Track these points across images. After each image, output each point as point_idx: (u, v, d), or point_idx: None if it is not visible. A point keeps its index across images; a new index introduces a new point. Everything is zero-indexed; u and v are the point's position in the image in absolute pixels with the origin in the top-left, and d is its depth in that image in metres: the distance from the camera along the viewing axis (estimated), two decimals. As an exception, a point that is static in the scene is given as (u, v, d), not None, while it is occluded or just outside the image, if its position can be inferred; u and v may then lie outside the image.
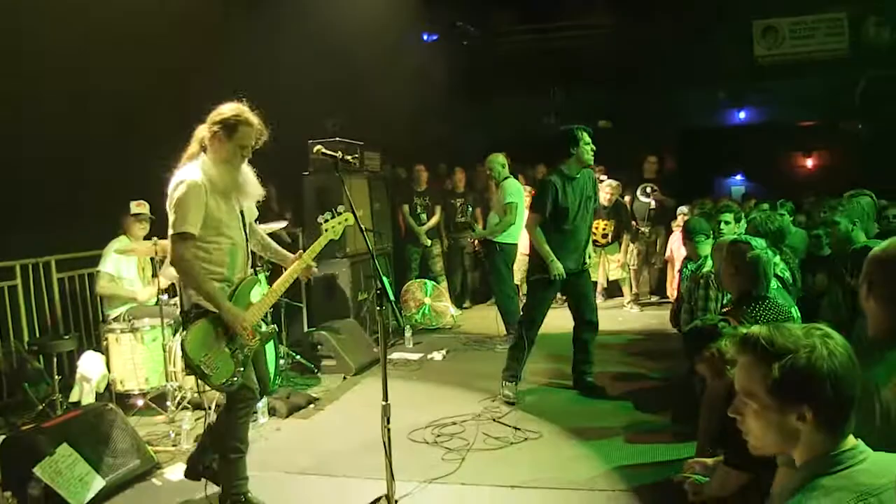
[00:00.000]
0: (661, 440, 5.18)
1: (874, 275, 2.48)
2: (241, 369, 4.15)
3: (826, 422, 1.78)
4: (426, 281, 9.86)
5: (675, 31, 12.18)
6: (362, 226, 4.23)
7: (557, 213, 6.24)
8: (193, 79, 7.69)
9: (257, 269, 7.14)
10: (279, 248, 4.73)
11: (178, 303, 5.01)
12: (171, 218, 3.97)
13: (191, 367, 4.05)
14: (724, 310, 4.01)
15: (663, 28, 12.24)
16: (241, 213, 4.27)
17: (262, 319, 4.48)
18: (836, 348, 1.77)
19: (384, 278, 3.68)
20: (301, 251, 4.55)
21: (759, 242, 3.92)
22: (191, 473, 4.50)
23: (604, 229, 10.12)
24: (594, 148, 6.27)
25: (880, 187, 7.49)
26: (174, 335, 6.07)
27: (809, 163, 14.11)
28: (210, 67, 7.93)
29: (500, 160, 8.26)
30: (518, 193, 8.25)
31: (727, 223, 6.70)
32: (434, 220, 10.52)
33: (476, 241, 8.06)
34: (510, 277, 8.58)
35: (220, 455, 4.31)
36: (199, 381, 4.23)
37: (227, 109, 4.07)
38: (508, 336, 8.20)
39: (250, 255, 4.39)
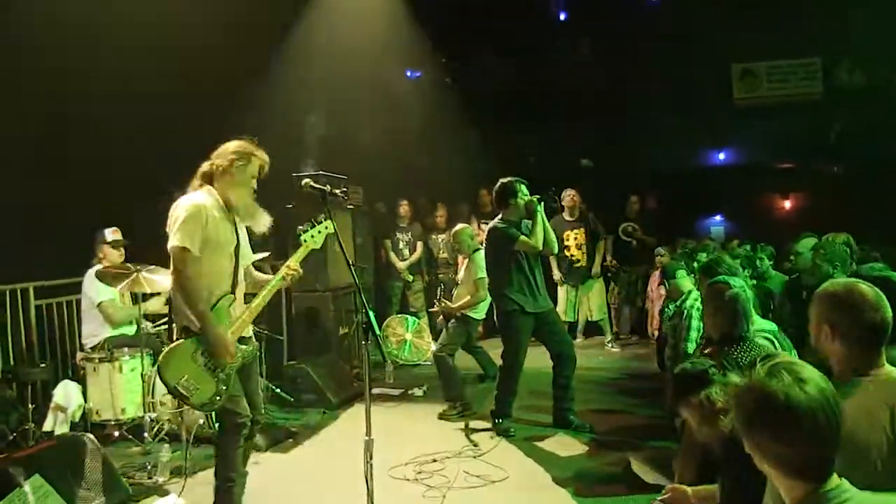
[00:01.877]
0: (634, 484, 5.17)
1: (837, 317, 2.56)
2: (224, 388, 4.14)
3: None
4: (407, 316, 9.83)
5: (656, 74, 12.36)
6: (349, 259, 4.22)
7: (519, 256, 6.42)
8: (173, 114, 7.77)
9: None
10: (260, 274, 4.77)
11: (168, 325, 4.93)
12: (171, 235, 4.07)
13: (168, 389, 4.11)
14: (706, 351, 3.98)
15: (645, 70, 12.41)
16: (238, 240, 4.35)
17: (244, 337, 4.44)
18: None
19: (370, 312, 3.65)
20: (282, 264, 4.55)
21: (736, 281, 3.91)
22: None
23: (576, 238, 10.13)
24: (532, 199, 6.45)
25: (856, 229, 7.60)
26: (153, 365, 5.99)
27: (787, 204, 14.25)
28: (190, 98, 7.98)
29: (468, 232, 7.91)
30: None
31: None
32: (416, 255, 10.51)
33: (443, 315, 7.81)
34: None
35: (215, 484, 4.31)
36: (180, 402, 4.28)
37: (238, 143, 4.31)
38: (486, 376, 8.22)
39: (238, 283, 4.39)
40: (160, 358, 4.11)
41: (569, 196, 10.02)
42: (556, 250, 6.99)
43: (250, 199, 4.34)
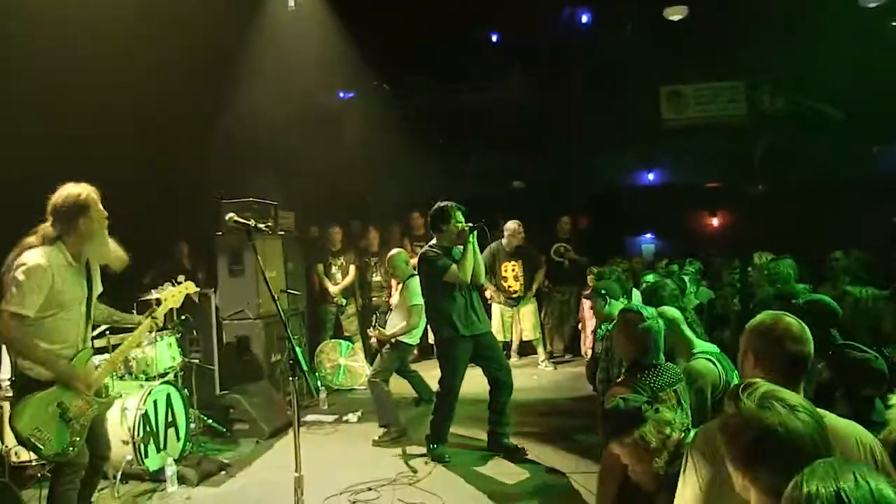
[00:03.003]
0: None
1: (760, 346, 2.64)
2: (77, 439, 4.18)
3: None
4: (341, 341, 9.76)
5: (585, 96, 12.58)
6: (272, 290, 4.18)
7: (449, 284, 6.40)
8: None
9: (166, 330, 6.97)
10: (122, 314, 4.84)
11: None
12: (7, 294, 4.03)
13: (20, 441, 4.14)
14: (619, 379, 4.02)
15: (574, 92, 12.64)
16: (90, 289, 4.38)
17: (102, 389, 4.48)
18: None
19: (297, 348, 3.62)
20: (153, 308, 4.74)
21: (650, 312, 3.95)
22: None
23: (513, 270, 10.18)
24: (465, 224, 6.43)
25: (778, 246, 7.85)
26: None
27: (715, 222, 14.63)
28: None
29: (402, 257, 7.85)
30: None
31: (649, 282, 6.86)
32: (348, 279, 10.45)
33: (377, 341, 7.78)
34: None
35: None
36: (32, 452, 4.33)
37: (72, 192, 4.19)
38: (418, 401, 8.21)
39: (89, 329, 4.46)
40: (14, 409, 4.10)
41: (511, 228, 10.05)
42: (482, 280, 6.95)
43: (107, 247, 4.32)
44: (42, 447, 4.05)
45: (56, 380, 4.14)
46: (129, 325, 4.81)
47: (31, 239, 4.19)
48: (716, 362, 4.09)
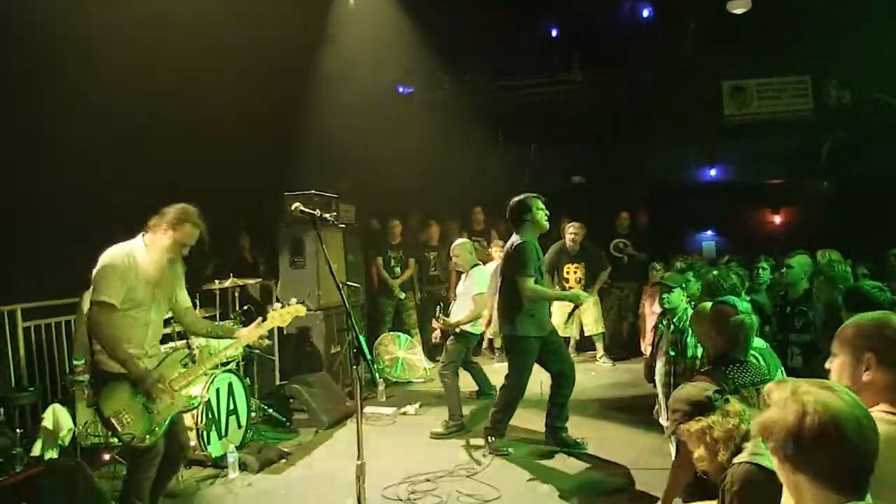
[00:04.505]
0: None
1: (879, 343, 2.51)
2: (157, 429, 4.33)
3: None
4: (399, 334, 9.81)
5: (647, 91, 12.40)
6: (337, 280, 4.20)
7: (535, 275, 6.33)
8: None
9: (229, 320, 7.11)
10: (219, 325, 5.25)
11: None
12: (93, 286, 4.31)
13: (102, 419, 4.31)
14: (703, 370, 3.95)
15: (635, 86, 12.46)
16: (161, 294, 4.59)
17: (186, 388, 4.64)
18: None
19: (360, 337, 3.62)
20: (259, 320, 4.92)
21: (744, 306, 3.88)
22: None
23: (575, 272, 10.09)
24: (548, 213, 6.42)
25: (844, 244, 7.64)
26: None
27: (777, 219, 14.29)
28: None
29: (468, 247, 7.82)
30: (485, 282, 7.65)
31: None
32: (408, 272, 10.49)
33: (441, 332, 7.73)
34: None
35: None
36: (111, 434, 4.43)
37: (177, 207, 4.48)
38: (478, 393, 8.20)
39: (159, 333, 4.70)
40: (100, 391, 4.31)
41: (571, 230, 9.95)
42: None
43: (158, 267, 4.48)
44: (121, 428, 4.21)
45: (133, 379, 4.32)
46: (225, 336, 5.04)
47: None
48: (759, 357, 4.04)
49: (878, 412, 2.34)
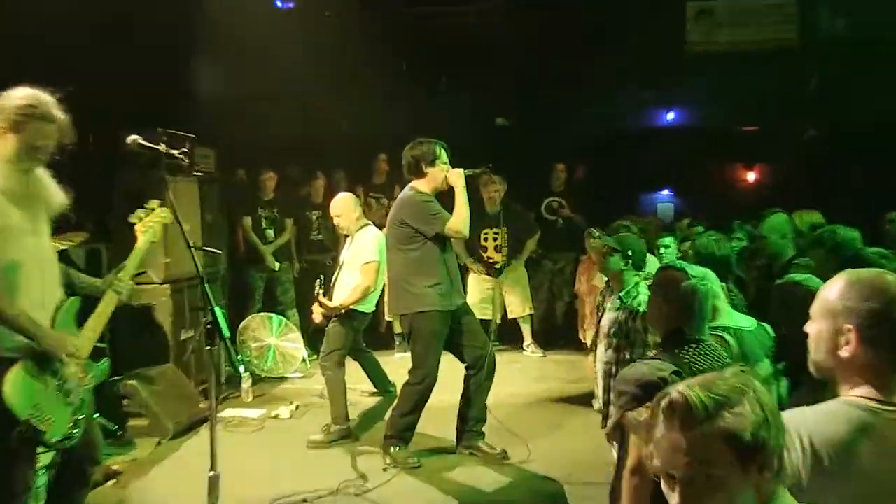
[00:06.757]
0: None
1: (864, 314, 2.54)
2: (80, 418, 4.06)
3: None
4: (272, 315, 9.69)
5: (587, 14, 12.44)
6: (191, 242, 4.08)
7: (439, 239, 6.35)
8: None
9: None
10: (83, 276, 4.64)
11: None
12: None
13: (16, 426, 3.79)
14: (651, 353, 3.99)
15: (575, 9, 12.49)
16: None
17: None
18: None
19: (217, 308, 3.53)
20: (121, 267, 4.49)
21: (698, 271, 3.87)
22: None
23: (495, 239, 10.18)
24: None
25: (831, 204, 7.85)
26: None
27: (751, 176, 14.69)
28: None
29: (351, 203, 7.69)
30: (382, 250, 7.32)
31: (667, 247, 6.85)
32: (284, 237, 10.40)
33: (323, 315, 7.59)
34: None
35: None
36: (34, 444, 3.97)
37: (20, 97, 3.90)
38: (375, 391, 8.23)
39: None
40: (5, 388, 3.78)
41: (491, 187, 10.04)
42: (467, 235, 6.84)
43: (16, 180, 3.99)
44: (45, 430, 3.83)
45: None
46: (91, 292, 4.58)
47: None
48: (738, 341, 4.13)
49: (858, 398, 2.36)
